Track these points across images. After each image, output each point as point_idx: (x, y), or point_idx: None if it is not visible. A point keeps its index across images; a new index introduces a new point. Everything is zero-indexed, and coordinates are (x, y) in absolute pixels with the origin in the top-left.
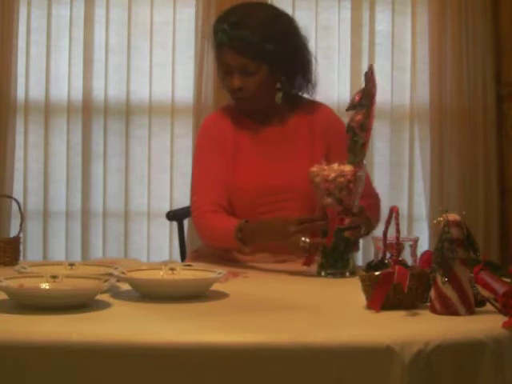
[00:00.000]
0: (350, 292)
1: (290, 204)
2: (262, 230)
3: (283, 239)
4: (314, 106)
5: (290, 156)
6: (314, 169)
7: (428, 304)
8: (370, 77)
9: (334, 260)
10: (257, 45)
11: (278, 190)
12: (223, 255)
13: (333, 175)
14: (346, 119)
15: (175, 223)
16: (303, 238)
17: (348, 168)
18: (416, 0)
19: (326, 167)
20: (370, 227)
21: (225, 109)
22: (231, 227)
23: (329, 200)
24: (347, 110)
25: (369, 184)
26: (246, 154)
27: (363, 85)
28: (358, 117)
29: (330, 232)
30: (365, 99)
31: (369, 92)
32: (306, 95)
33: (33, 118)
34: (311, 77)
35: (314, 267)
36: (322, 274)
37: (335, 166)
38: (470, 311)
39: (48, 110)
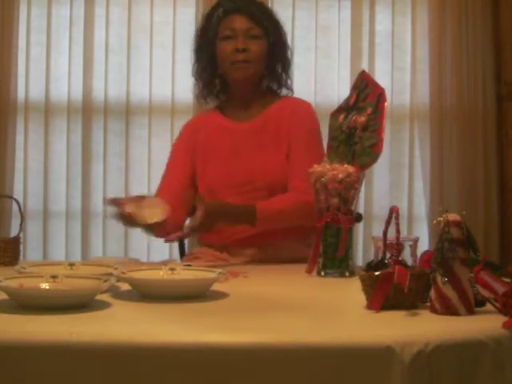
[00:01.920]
0: (350, 292)
1: (257, 194)
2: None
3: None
4: (286, 102)
5: (257, 150)
6: (318, 169)
7: (428, 304)
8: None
9: (333, 260)
10: (261, 15)
11: (244, 181)
12: (218, 256)
13: (341, 176)
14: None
15: None
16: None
17: (351, 168)
18: (416, 0)
19: (328, 167)
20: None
21: (201, 113)
22: None
23: (335, 200)
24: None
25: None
26: (218, 152)
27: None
28: (361, 119)
29: (342, 241)
30: (361, 102)
31: (366, 95)
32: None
33: (33, 117)
34: (288, 77)
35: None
36: (322, 273)
37: (338, 166)
38: (470, 311)
39: (48, 109)
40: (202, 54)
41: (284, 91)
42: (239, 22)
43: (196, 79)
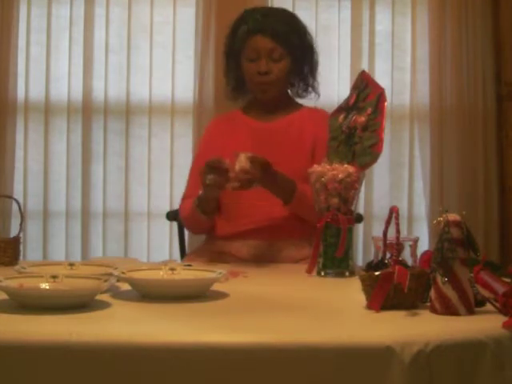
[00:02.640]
0: (350, 292)
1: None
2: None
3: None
4: (309, 110)
5: (278, 150)
6: (318, 168)
7: (428, 304)
8: (367, 79)
9: (333, 260)
10: (285, 33)
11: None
12: (221, 255)
13: (341, 176)
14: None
15: (175, 223)
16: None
17: (351, 168)
18: (416, 0)
19: (328, 167)
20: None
21: (224, 114)
22: (193, 201)
23: (335, 200)
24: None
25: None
26: (239, 147)
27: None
28: (361, 119)
29: (342, 241)
30: (361, 102)
31: (366, 95)
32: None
33: (33, 117)
34: (315, 80)
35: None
36: (322, 273)
37: (338, 166)
38: (470, 311)
39: (48, 109)
40: (229, 60)
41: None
42: (262, 43)
43: (226, 80)
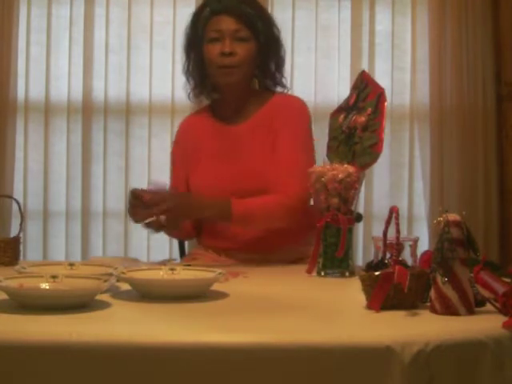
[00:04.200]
0: (350, 292)
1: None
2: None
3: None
4: (278, 98)
5: (248, 155)
6: (318, 169)
7: (428, 304)
8: (367, 79)
9: (333, 260)
10: (251, 15)
11: (233, 186)
12: (217, 258)
13: (341, 176)
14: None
15: None
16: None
17: (351, 168)
18: (416, 0)
19: (328, 167)
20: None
21: (193, 114)
22: None
23: (335, 200)
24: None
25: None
26: (209, 155)
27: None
28: (361, 119)
29: (342, 241)
30: (361, 102)
31: (366, 95)
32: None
33: (33, 117)
34: (282, 75)
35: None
36: (322, 273)
37: (338, 166)
38: (470, 311)
39: (48, 109)
40: (190, 53)
41: (279, 89)
42: (226, 24)
43: (187, 78)
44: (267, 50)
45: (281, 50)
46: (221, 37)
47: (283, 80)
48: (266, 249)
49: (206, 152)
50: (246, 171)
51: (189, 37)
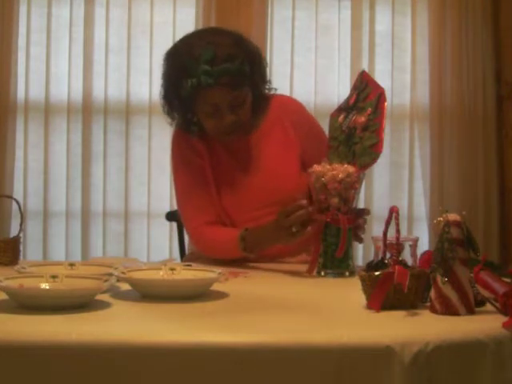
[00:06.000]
0: (350, 292)
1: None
2: (264, 236)
3: (285, 238)
4: (278, 100)
5: (269, 161)
6: (318, 168)
7: (428, 304)
8: (367, 79)
9: (333, 260)
10: (239, 72)
11: (261, 204)
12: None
13: (341, 176)
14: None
15: (175, 223)
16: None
17: (351, 168)
18: (416, 0)
19: (329, 166)
20: None
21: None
22: (233, 238)
23: (335, 200)
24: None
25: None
26: (224, 167)
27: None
28: (361, 119)
29: (342, 241)
30: (361, 102)
31: (366, 95)
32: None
33: (33, 117)
34: (268, 83)
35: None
36: (322, 273)
37: (338, 166)
38: (470, 311)
39: (48, 110)
40: (173, 99)
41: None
42: (220, 96)
43: (170, 118)
44: (258, 78)
45: (262, 64)
46: (217, 110)
47: (268, 85)
48: (276, 254)
49: (227, 167)
50: (271, 176)
51: (168, 90)
